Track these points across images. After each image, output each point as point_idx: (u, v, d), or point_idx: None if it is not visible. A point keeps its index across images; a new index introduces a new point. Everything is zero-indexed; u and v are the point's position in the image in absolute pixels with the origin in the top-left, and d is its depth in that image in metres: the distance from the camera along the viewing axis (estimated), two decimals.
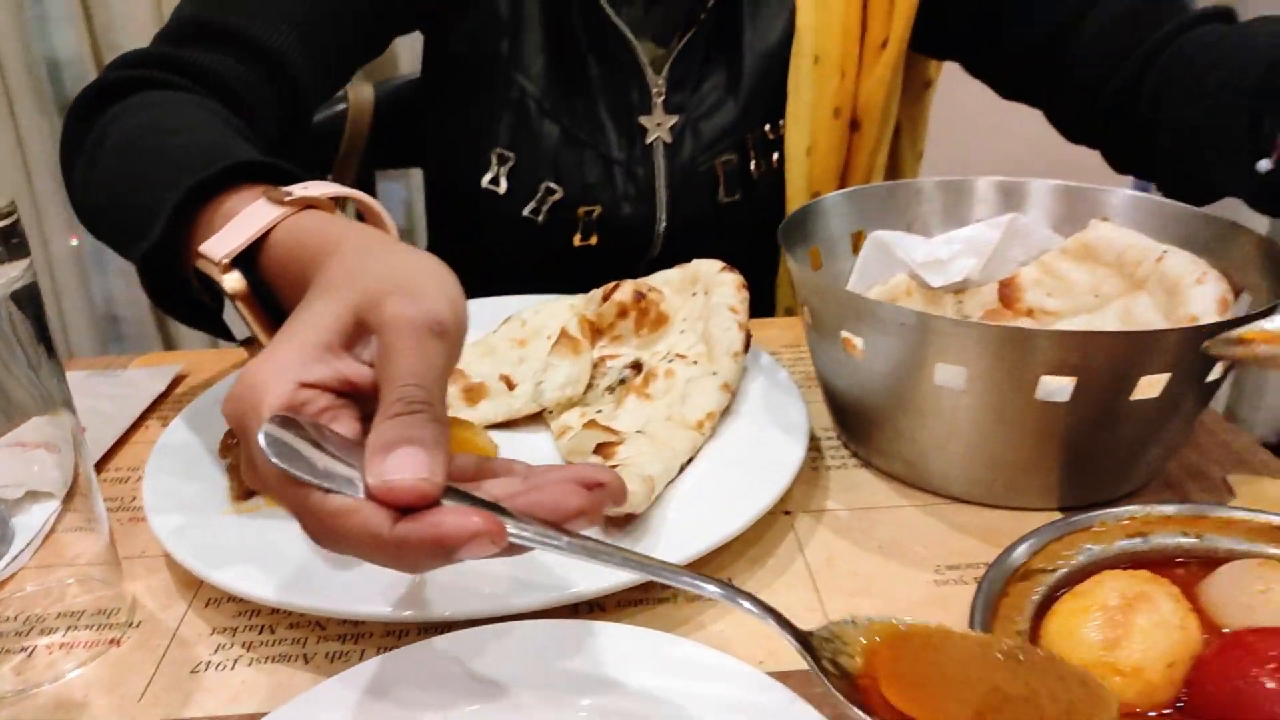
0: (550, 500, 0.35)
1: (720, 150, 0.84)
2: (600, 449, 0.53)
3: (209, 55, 0.68)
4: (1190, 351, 0.47)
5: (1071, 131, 0.83)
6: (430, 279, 0.38)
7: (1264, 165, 0.58)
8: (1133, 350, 0.46)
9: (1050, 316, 0.64)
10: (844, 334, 0.53)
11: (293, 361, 0.36)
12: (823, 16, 0.80)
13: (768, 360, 0.64)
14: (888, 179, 0.93)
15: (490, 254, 0.89)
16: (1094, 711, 0.32)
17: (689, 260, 0.69)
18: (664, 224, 0.85)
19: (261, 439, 0.33)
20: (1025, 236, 0.67)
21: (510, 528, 0.33)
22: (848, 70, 0.83)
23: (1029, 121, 0.88)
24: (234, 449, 0.54)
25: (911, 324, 0.49)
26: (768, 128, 0.85)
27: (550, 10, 0.81)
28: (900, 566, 0.50)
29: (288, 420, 0.34)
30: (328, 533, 0.33)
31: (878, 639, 0.36)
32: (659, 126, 0.83)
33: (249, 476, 0.36)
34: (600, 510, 0.36)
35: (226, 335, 0.55)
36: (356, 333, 0.38)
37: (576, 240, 0.85)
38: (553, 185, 0.83)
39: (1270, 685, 0.35)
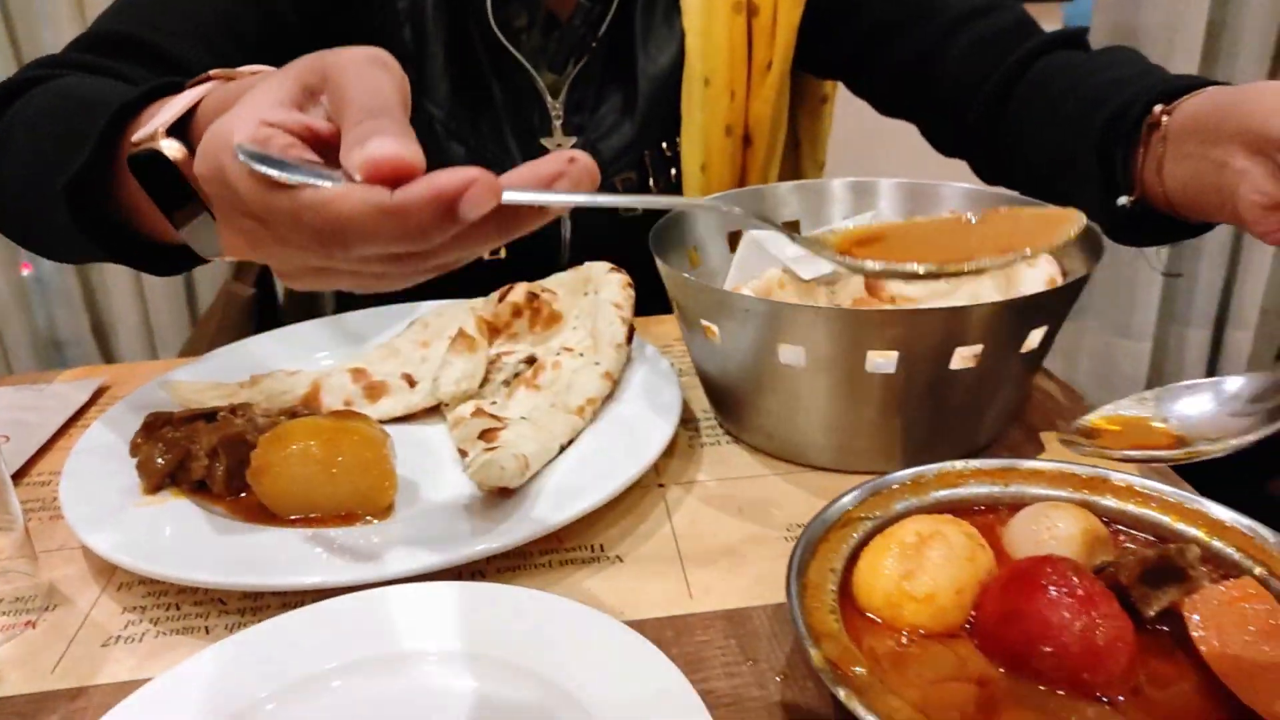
0: (529, 172, 0.35)
1: (619, 168, 0.89)
2: (485, 434, 0.58)
3: (120, 64, 0.70)
4: (999, 324, 0.53)
5: (943, 146, 0.89)
6: (362, 47, 0.39)
7: (1123, 201, 0.64)
8: (947, 325, 0.52)
9: (909, 302, 0.70)
10: (704, 322, 0.59)
11: (256, 107, 0.37)
12: (709, 42, 0.86)
13: (652, 351, 0.70)
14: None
15: None
16: (1061, 222, 0.38)
17: None
18: (569, 238, 0.90)
19: (240, 155, 0.34)
20: None
21: (505, 188, 0.34)
22: (737, 91, 0.88)
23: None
24: (142, 447, 0.58)
25: (755, 310, 0.55)
26: (665, 146, 0.90)
27: (452, 40, 0.86)
28: (756, 527, 0.55)
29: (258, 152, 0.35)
30: (328, 225, 0.34)
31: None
32: (558, 147, 0.88)
33: (229, 201, 0.37)
34: (576, 176, 0.36)
35: (153, 266, 0.58)
36: (306, 96, 0.39)
37: (486, 254, 0.90)
38: None
39: (1040, 602, 0.40)
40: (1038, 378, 0.70)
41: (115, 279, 1.68)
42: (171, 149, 0.46)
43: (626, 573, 0.52)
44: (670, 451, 0.63)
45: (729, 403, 0.63)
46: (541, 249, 0.91)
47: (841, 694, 0.37)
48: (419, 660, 0.43)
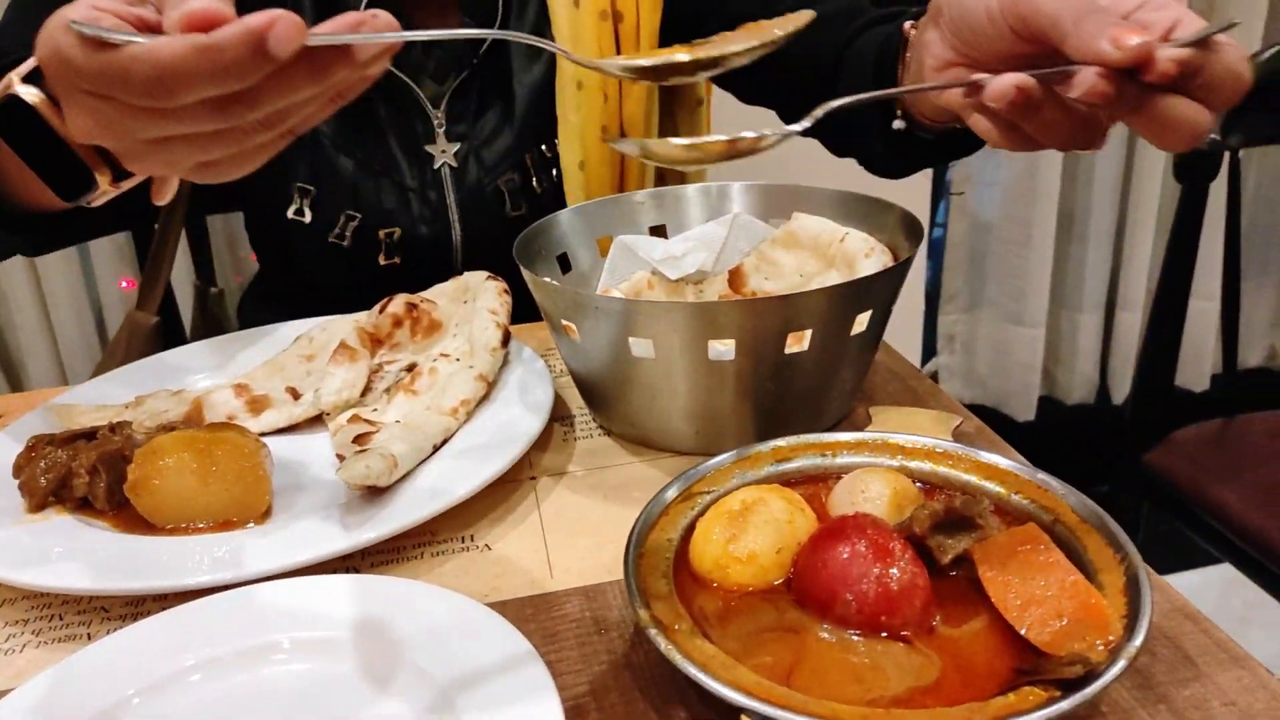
0: (333, 23, 0.38)
1: (502, 171, 0.94)
2: (359, 439, 0.61)
3: None
4: (825, 310, 0.58)
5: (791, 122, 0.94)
6: None
7: (897, 124, 0.69)
8: (776, 312, 0.57)
9: (760, 296, 0.75)
10: (564, 322, 0.63)
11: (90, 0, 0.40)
12: (578, 48, 0.91)
13: (529, 354, 0.74)
14: (672, 174, 1.06)
15: (308, 278, 0.98)
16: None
17: (490, 269, 0.78)
18: (460, 239, 0.94)
19: (71, 24, 0.37)
20: (747, 230, 0.78)
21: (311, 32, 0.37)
22: (609, 93, 0.93)
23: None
24: (25, 468, 0.59)
25: (605, 308, 0.59)
26: (544, 148, 0.95)
27: None
28: (618, 508, 0.59)
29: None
30: (153, 72, 0.36)
31: None
32: (443, 154, 0.93)
33: (68, 78, 0.40)
34: (376, 26, 0.39)
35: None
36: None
37: (381, 260, 0.94)
38: (352, 212, 0.92)
39: (844, 553, 0.45)
40: (886, 359, 0.76)
41: (22, 312, 1.65)
42: (29, 94, 0.47)
43: (493, 559, 0.55)
44: (544, 446, 0.67)
45: (596, 397, 0.67)
46: (434, 255, 0.94)
47: (662, 645, 0.41)
48: (275, 650, 0.46)
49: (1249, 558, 1.11)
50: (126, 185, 0.51)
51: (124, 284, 1.72)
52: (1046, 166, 1.89)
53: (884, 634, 0.43)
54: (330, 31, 0.38)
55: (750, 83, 0.96)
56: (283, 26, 0.36)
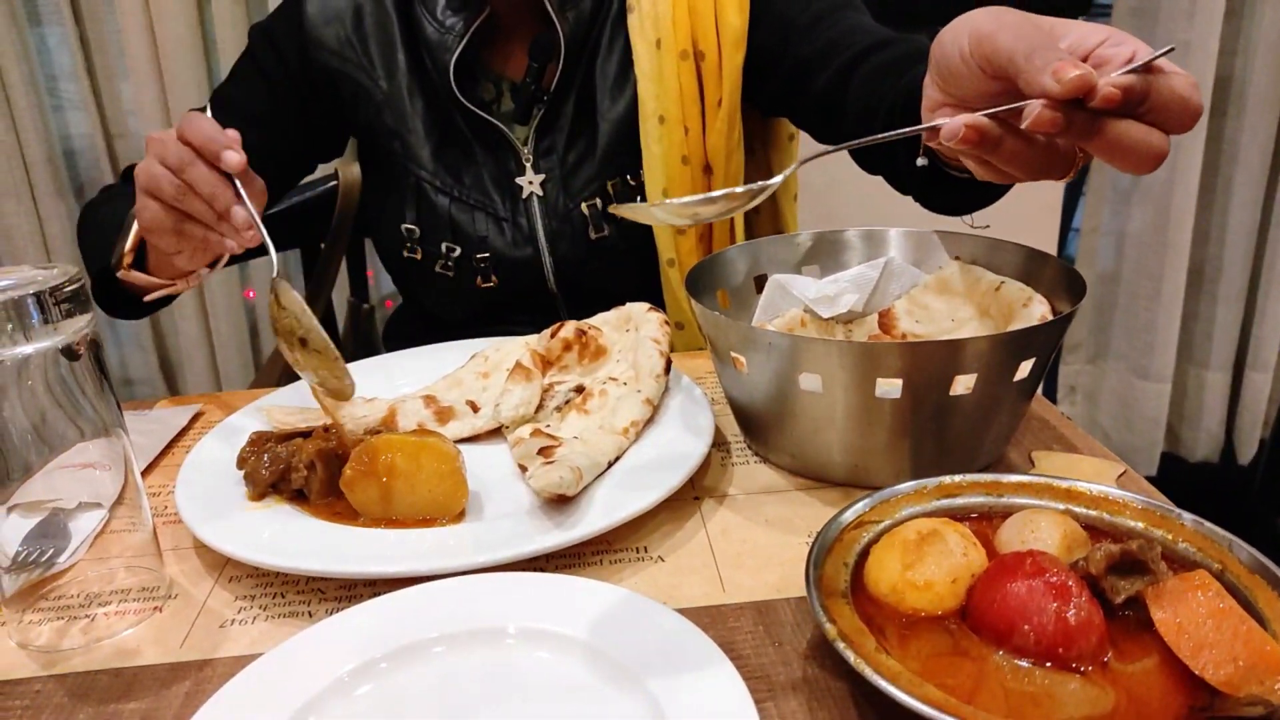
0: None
1: (586, 196, 1.02)
2: (543, 451, 0.66)
3: None
4: (992, 356, 0.61)
5: (866, 166, 0.95)
6: None
7: (921, 162, 0.67)
8: (944, 355, 0.60)
9: (917, 338, 0.78)
10: (733, 355, 0.67)
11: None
12: (661, 86, 0.98)
13: (687, 381, 0.78)
14: (760, 218, 1.14)
15: (427, 304, 1.12)
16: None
17: (579, 286, 0.88)
18: (549, 260, 1.04)
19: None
20: (898, 275, 0.81)
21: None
22: (690, 126, 1.00)
23: None
24: (249, 460, 0.67)
25: (778, 344, 0.63)
26: (629, 177, 1.03)
27: (429, 117, 1.02)
28: (780, 534, 0.63)
29: None
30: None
31: None
32: (530, 184, 1.02)
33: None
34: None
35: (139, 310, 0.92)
36: None
37: (479, 282, 1.05)
38: (451, 244, 1.04)
39: (1024, 587, 0.48)
40: (1035, 406, 0.77)
41: (186, 320, 1.79)
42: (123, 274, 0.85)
43: (667, 570, 0.60)
44: (704, 469, 0.71)
45: (756, 427, 0.71)
46: (526, 275, 1.04)
47: (851, 659, 0.44)
48: (500, 635, 0.51)
49: None
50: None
51: (249, 294, 1.85)
52: (1177, 219, 1.86)
53: (1059, 666, 0.46)
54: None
55: (820, 127, 0.99)
56: (231, 155, 0.74)
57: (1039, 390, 0.72)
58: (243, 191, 0.75)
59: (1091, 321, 2.00)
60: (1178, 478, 2.05)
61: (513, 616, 0.52)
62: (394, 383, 0.84)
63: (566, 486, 0.60)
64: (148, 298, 0.88)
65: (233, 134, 0.75)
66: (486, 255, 1.03)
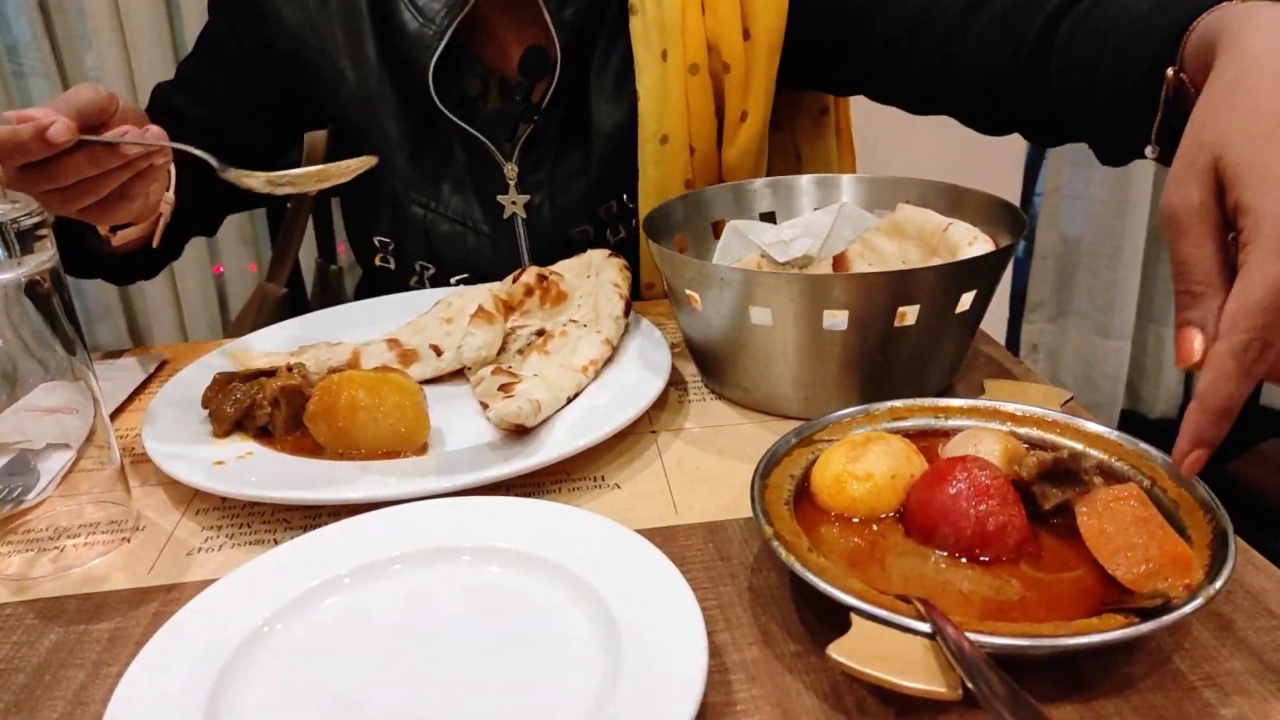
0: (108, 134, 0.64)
1: (576, 222, 0.95)
2: (503, 388, 0.68)
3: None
4: (932, 286, 0.63)
5: (986, 127, 0.87)
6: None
7: (1149, 152, 0.64)
8: (887, 287, 0.62)
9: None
10: (687, 292, 0.69)
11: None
12: (665, 104, 0.89)
13: (647, 325, 0.80)
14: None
15: None
16: None
17: None
18: (527, 252, 0.96)
19: None
20: (852, 219, 0.83)
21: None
22: (699, 145, 0.92)
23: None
24: (214, 399, 0.68)
25: (730, 279, 0.65)
26: (626, 197, 0.95)
27: (403, 117, 0.93)
28: (732, 461, 0.65)
29: None
30: None
31: None
32: (513, 204, 0.95)
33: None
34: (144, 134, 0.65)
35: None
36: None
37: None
38: (425, 263, 0.97)
39: (950, 488, 0.50)
40: (985, 347, 0.80)
41: (152, 283, 1.79)
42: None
43: (623, 495, 0.62)
44: (662, 405, 0.73)
45: (711, 363, 0.73)
46: (503, 265, 0.94)
47: (783, 554, 0.46)
48: (458, 553, 0.53)
49: None
50: (118, 238, 0.87)
51: (218, 270, 1.85)
52: (1138, 182, 1.90)
53: (984, 564, 0.48)
54: (100, 134, 0.64)
55: (922, 98, 0.90)
56: (57, 128, 0.60)
57: (985, 332, 0.74)
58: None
59: (1054, 281, 2.04)
60: (1138, 433, 2.07)
61: (472, 536, 0.53)
62: (359, 329, 0.85)
63: (524, 417, 0.62)
64: (119, 242, 0.86)
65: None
66: (465, 277, 0.96)
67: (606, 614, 0.47)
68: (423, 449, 0.64)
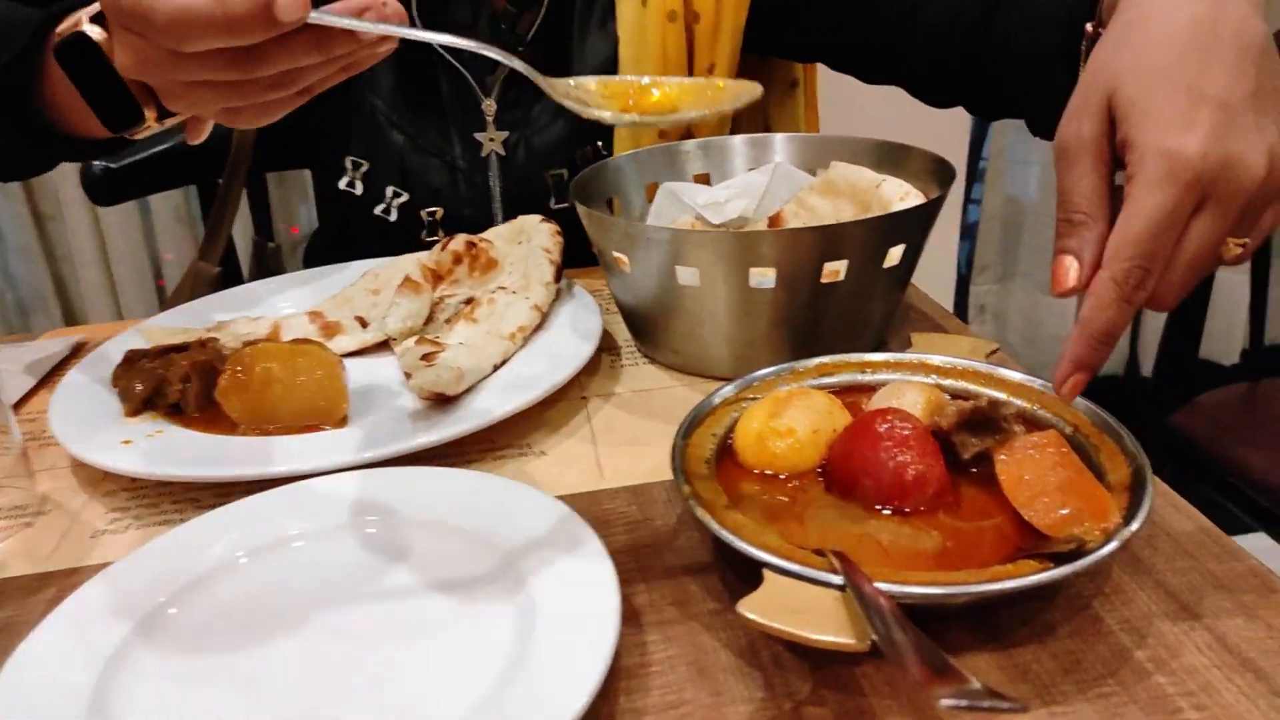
0: (342, 5, 0.45)
1: (551, 164, 0.94)
2: (426, 356, 0.66)
3: None
4: (860, 241, 0.62)
5: (933, 99, 0.90)
6: None
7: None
8: (814, 243, 0.61)
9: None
10: (615, 254, 0.68)
11: None
12: (642, 50, 0.89)
13: (579, 290, 0.78)
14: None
15: (358, 246, 1.00)
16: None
17: None
18: (500, 191, 0.95)
19: None
20: (787, 178, 0.82)
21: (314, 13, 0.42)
22: None
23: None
24: (122, 378, 0.65)
25: (656, 238, 0.63)
26: (600, 144, 0.94)
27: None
28: (662, 423, 0.64)
29: None
30: (172, 15, 0.41)
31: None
32: (491, 141, 0.93)
33: (115, 12, 0.45)
34: (383, 14, 0.46)
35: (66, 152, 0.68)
36: None
37: (424, 237, 0.97)
38: (399, 189, 0.95)
39: (868, 440, 0.49)
40: (920, 304, 0.80)
41: (86, 267, 1.73)
42: (94, 31, 0.50)
43: (548, 462, 0.61)
44: (593, 371, 0.71)
45: (642, 327, 0.72)
46: (477, 203, 0.96)
47: (699, 512, 0.45)
48: (363, 526, 0.51)
49: (1273, 517, 1.14)
50: (169, 123, 0.54)
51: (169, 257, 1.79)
52: None
53: (903, 515, 0.48)
54: (334, 13, 0.44)
55: (876, 67, 0.92)
56: (287, 2, 0.41)
57: (916, 287, 0.73)
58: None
59: (1000, 243, 2.05)
60: (1084, 392, 2.12)
61: (383, 508, 0.52)
62: (284, 303, 0.82)
63: (445, 385, 0.61)
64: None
65: None
66: (435, 210, 0.95)
67: (519, 580, 0.46)
68: (342, 422, 0.62)
